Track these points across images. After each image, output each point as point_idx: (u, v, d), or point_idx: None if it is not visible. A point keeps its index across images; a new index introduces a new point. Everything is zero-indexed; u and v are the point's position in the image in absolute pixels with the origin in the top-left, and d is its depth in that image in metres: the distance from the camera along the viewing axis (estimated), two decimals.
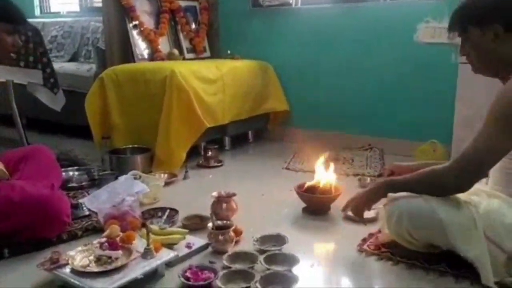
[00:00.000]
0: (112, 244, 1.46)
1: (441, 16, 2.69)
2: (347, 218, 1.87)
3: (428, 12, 2.75)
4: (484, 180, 1.51)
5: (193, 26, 3.42)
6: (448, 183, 1.40)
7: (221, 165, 2.75)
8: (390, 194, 1.53)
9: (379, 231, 1.71)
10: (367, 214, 1.82)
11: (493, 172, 1.47)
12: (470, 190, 1.45)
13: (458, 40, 1.51)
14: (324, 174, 2.02)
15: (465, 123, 2.44)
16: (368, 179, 2.38)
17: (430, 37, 2.75)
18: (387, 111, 3.01)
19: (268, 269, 1.45)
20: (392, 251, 1.58)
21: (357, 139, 3.08)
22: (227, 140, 3.10)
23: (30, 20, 3.00)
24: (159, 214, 1.91)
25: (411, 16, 2.81)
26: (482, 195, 1.47)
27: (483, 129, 1.35)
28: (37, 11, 4.90)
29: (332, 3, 3.14)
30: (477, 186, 1.46)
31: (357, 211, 1.64)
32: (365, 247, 1.64)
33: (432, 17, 2.74)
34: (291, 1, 3.28)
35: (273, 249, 1.60)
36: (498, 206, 1.37)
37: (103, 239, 1.50)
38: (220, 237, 1.61)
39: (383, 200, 1.57)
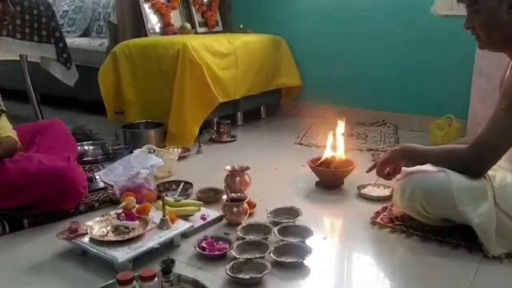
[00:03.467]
0: (129, 215, 1.49)
1: None
2: (361, 196, 1.88)
3: None
4: None
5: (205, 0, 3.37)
6: (466, 167, 1.41)
7: (233, 140, 2.75)
8: (404, 168, 1.53)
9: (392, 205, 1.72)
10: (381, 193, 1.84)
11: None
12: None
13: None
14: (336, 147, 2.02)
15: (482, 97, 2.41)
16: (382, 154, 2.35)
17: (447, 9, 2.69)
18: (402, 85, 2.96)
19: (282, 240, 1.47)
20: (405, 224, 1.58)
21: (371, 114, 3.06)
22: (239, 115, 3.09)
23: None
24: (174, 187, 1.94)
25: None
26: (497, 170, 1.46)
27: (496, 111, 1.35)
28: None
29: None
30: None
31: (377, 171, 1.65)
32: (378, 220, 1.65)
33: None
34: None
35: (287, 221, 1.61)
36: None
37: (120, 210, 1.53)
38: (234, 209, 1.63)
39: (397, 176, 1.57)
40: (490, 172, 1.44)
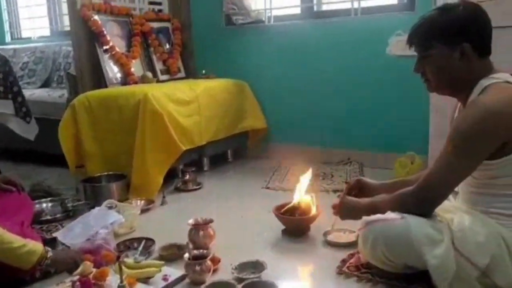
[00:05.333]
0: (85, 283, 1.41)
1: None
2: (328, 243, 1.85)
3: (399, 25, 2.77)
4: (452, 196, 1.52)
5: (167, 46, 3.39)
6: (412, 209, 1.42)
7: (199, 188, 2.71)
8: (365, 218, 1.52)
9: (358, 252, 1.69)
10: (347, 239, 1.82)
11: (461, 191, 1.48)
12: (444, 207, 1.45)
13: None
14: (302, 193, 2.00)
15: (440, 133, 2.43)
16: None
17: (402, 49, 2.77)
18: (365, 123, 3.02)
19: None
20: (371, 272, 1.56)
21: (336, 153, 3.08)
22: (205, 161, 3.06)
23: (1, 47, 2.97)
24: (135, 245, 1.86)
25: (382, 29, 2.84)
26: (455, 212, 1.47)
27: (442, 153, 1.37)
28: (7, 38, 4.81)
29: (303, 20, 3.16)
30: (450, 202, 1.47)
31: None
32: (344, 269, 1.62)
33: (404, 30, 2.76)
34: (263, 19, 3.29)
35: (252, 277, 1.56)
36: (471, 224, 1.37)
37: (76, 277, 1.45)
38: (197, 268, 1.57)
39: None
40: (447, 215, 1.44)
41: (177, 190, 2.68)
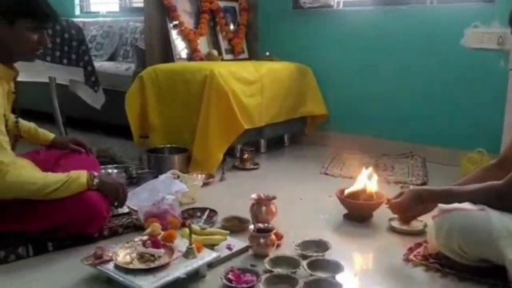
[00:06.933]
0: (154, 242, 1.45)
1: (489, 21, 2.59)
2: (393, 230, 1.81)
3: (476, 16, 2.65)
4: None
5: (232, 27, 3.41)
6: (503, 203, 1.37)
7: (257, 168, 2.72)
8: (441, 205, 1.47)
9: (426, 241, 1.64)
10: (414, 226, 1.78)
11: None
12: None
13: (508, 45, 1.42)
14: (366, 180, 1.96)
15: None
16: (411, 187, 2.29)
17: (478, 42, 2.65)
18: (431, 117, 2.90)
19: (312, 275, 1.41)
20: (440, 262, 1.51)
21: (398, 145, 2.99)
22: (262, 142, 3.06)
23: (70, 19, 3.08)
24: (198, 214, 1.90)
25: (458, 20, 2.71)
26: None
27: None
28: (77, 11, 5.00)
29: (374, 5, 3.07)
30: None
31: (406, 218, 1.60)
32: (411, 256, 1.58)
33: (481, 21, 2.64)
34: (332, 3, 3.23)
35: (316, 255, 1.55)
36: None
37: (145, 237, 1.49)
38: (262, 240, 1.57)
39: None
40: None
41: (235, 168, 2.70)
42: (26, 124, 1.93)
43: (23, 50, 1.58)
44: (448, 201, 1.46)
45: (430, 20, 2.85)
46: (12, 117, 1.73)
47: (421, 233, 1.75)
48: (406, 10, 2.94)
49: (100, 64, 3.59)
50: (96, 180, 1.61)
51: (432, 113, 2.90)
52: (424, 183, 2.40)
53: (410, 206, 1.68)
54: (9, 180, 1.45)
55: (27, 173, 1.52)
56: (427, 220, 1.71)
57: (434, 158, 2.82)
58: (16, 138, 1.72)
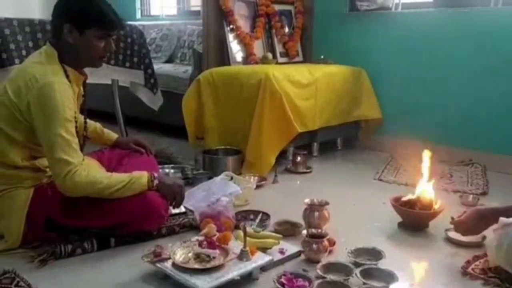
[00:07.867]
0: (210, 243, 1.49)
1: None
2: (449, 241, 1.76)
3: None
4: None
5: (287, 30, 3.42)
6: None
7: (309, 172, 2.72)
8: (502, 219, 1.42)
9: (485, 254, 1.59)
10: (472, 238, 1.72)
11: None
12: None
13: None
14: (423, 188, 1.92)
15: None
16: (471, 197, 2.22)
17: None
18: (492, 122, 2.78)
19: (365, 283, 1.40)
20: (500, 277, 1.46)
21: (456, 152, 2.88)
22: (315, 146, 3.06)
23: (131, 22, 3.21)
24: (251, 216, 1.93)
25: None
26: None
27: None
28: (138, 14, 5.21)
29: (435, 8, 2.98)
30: None
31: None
32: (469, 270, 1.53)
33: None
34: (390, 5, 3.16)
35: (369, 263, 1.54)
36: None
37: (202, 237, 1.54)
38: (314, 246, 1.58)
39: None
40: None
41: (287, 171, 2.72)
42: (93, 124, 2.05)
43: (91, 56, 1.68)
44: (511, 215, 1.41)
45: (494, 23, 2.73)
46: (81, 118, 1.84)
47: (479, 245, 1.69)
48: (468, 12, 2.83)
49: (159, 66, 3.72)
50: (156, 181, 1.68)
51: (494, 119, 2.77)
52: (484, 193, 2.31)
53: (474, 226, 1.64)
54: (77, 180, 1.54)
55: (94, 173, 1.61)
56: (486, 232, 1.65)
57: (495, 167, 2.70)
58: (84, 139, 1.82)
